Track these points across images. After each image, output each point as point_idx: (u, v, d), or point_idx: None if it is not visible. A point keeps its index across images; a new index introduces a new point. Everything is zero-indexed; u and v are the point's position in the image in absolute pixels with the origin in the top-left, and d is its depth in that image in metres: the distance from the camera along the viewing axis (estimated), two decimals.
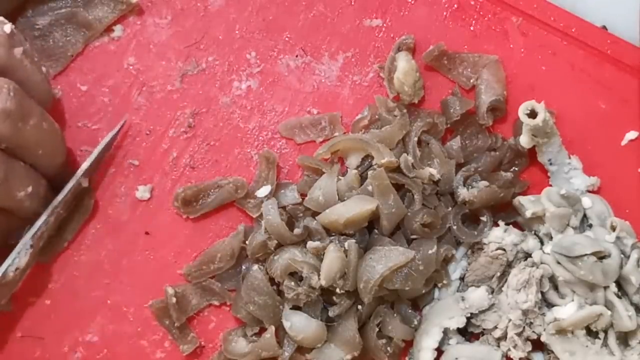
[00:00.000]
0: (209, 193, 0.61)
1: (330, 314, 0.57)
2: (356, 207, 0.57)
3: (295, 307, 0.58)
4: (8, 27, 0.54)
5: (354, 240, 0.57)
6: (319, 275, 0.56)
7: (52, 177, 0.58)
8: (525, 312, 0.58)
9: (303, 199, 0.60)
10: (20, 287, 0.58)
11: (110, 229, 0.62)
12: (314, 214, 0.59)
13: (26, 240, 0.57)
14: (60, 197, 0.58)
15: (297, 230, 0.58)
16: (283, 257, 0.57)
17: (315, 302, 0.57)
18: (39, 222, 0.57)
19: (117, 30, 0.64)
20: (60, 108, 0.63)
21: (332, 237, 0.58)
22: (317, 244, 0.57)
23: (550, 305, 0.59)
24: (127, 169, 0.63)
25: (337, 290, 0.56)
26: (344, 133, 0.63)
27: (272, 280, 0.58)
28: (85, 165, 0.60)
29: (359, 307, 0.58)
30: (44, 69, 0.59)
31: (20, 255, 0.56)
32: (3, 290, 0.56)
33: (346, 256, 0.56)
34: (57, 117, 0.60)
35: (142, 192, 0.62)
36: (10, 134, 0.52)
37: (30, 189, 0.55)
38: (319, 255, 0.57)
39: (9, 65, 0.54)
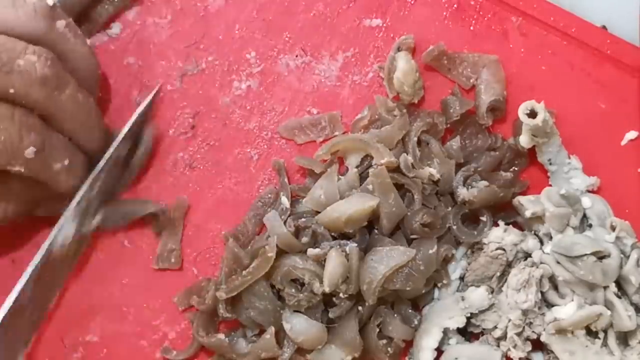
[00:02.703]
0: None
1: (331, 315, 0.57)
2: (357, 204, 0.57)
3: (296, 310, 0.58)
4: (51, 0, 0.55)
5: (355, 245, 0.57)
6: (320, 281, 0.56)
7: (92, 156, 0.58)
8: (525, 312, 0.58)
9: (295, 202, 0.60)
10: None
11: (111, 229, 0.62)
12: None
13: (69, 213, 0.57)
14: (100, 165, 0.59)
15: (304, 239, 0.58)
16: (284, 264, 0.57)
17: (316, 305, 0.57)
18: (80, 192, 0.58)
19: (115, 27, 0.64)
20: None
21: (333, 243, 0.57)
22: (317, 251, 0.57)
23: (550, 305, 0.59)
24: None
25: (341, 295, 0.56)
26: (344, 133, 0.63)
27: (272, 284, 0.58)
28: (125, 130, 0.60)
29: (359, 308, 0.58)
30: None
31: (63, 229, 0.57)
32: (57, 266, 0.57)
33: (347, 260, 0.56)
34: None
35: None
36: (46, 101, 0.52)
37: (67, 161, 0.55)
38: (320, 261, 0.57)
39: (49, 38, 0.54)
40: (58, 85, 0.53)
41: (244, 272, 0.57)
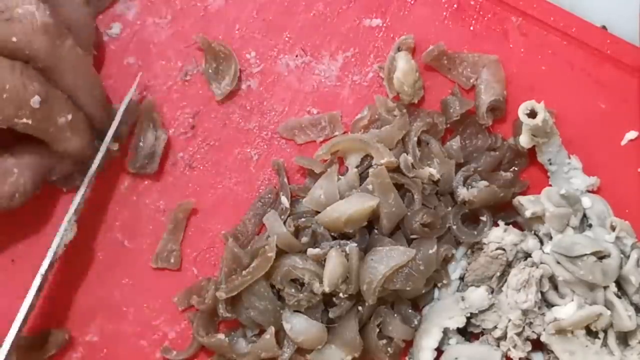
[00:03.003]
0: None
1: (331, 315, 0.57)
2: (357, 204, 0.57)
3: (296, 310, 0.58)
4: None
5: (355, 245, 0.57)
6: (320, 281, 0.56)
7: (94, 124, 0.58)
8: (525, 312, 0.58)
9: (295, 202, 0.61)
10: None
11: None
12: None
13: (69, 216, 0.57)
14: (93, 167, 0.59)
15: (304, 239, 0.58)
16: (284, 264, 0.57)
17: (316, 305, 0.57)
18: (78, 197, 0.58)
19: (115, 28, 0.64)
20: None
21: (333, 243, 0.57)
22: (317, 250, 0.57)
23: (550, 305, 0.59)
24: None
25: (341, 294, 0.56)
26: (344, 133, 0.63)
27: (272, 284, 0.58)
28: (112, 128, 0.60)
29: (359, 308, 0.58)
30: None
31: (67, 233, 0.57)
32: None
33: (347, 260, 0.56)
34: None
35: None
36: (48, 50, 0.52)
37: (70, 116, 0.55)
38: (320, 261, 0.57)
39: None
40: (59, 34, 0.53)
41: (243, 272, 0.57)
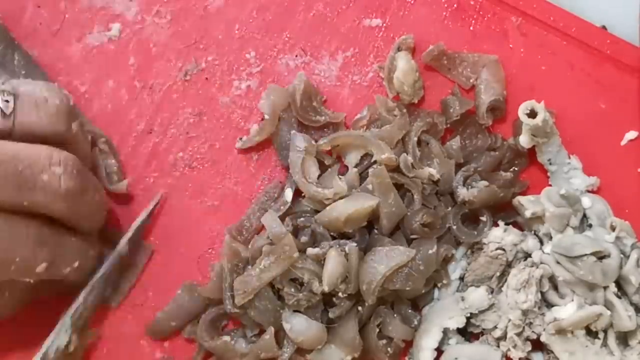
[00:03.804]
0: None
1: (331, 315, 0.57)
2: (357, 204, 0.57)
3: (296, 309, 0.58)
4: (71, 98, 0.54)
5: (354, 244, 0.57)
6: (319, 280, 0.56)
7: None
8: (524, 312, 0.58)
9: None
10: None
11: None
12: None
13: (65, 320, 0.57)
14: (99, 274, 0.58)
15: (303, 238, 0.58)
16: None
17: (316, 305, 0.57)
18: (76, 304, 0.57)
19: (115, 28, 0.64)
20: None
21: (333, 242, 0.57)
22: (316, 250, 0.57)
23: (550, 305, 0.59)
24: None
25: (340, 294, 0.56)
26: None
27: (271, 284, 0.58)
28: (123, 242, 0.59)
29: (359, 308, 0.58)
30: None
31: (59, 336, 0.56)
32: None
33: (347, 260, 0.56)
34: None
35: None
36: (66, 212, 0.51)
37: (77, 264, 0.54)
38: (319, 261, 0.57)
39: (66, 138, 0.52)
40: (81, 192, 0.52)
41: (257, 271, 0.57)
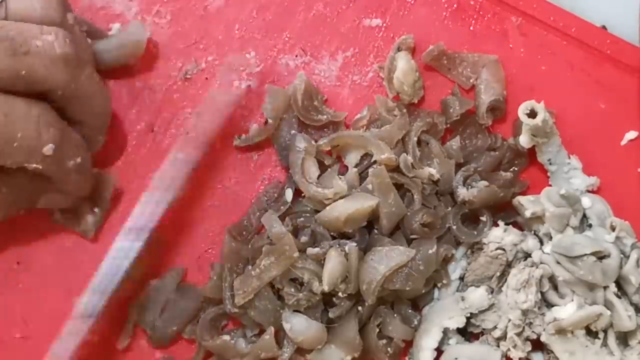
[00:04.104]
0: None
1: (331, 315, 0.57)
2: (357, 204, 0.57)
3: (296, 309, 0.58)
4: None
5: (354, 244, 0.57)
6: (319, 280, 0.56)
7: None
8: (524, 312, 0.58)
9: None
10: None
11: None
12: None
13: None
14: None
15: (303, 238, 0.58)
16: None
17: (316, 305, 0.57)
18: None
19: (114, 30, 0.64)
20: None
21: (333, 242, 0.57)
22: (317, 250, 0.57)
23: (550, 305, 0.59)
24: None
25: (340, 294, 0.56)
26: None
27: (271, 284, 0.58)
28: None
29: (359, 308, 0.58)
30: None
31: None
32: None
33: (347, 260, 0.56)
34: None
35: None
36: (67, 81, 0.51)
37: (79, 159, 0.54)
38: (319, 261, 0.57)
39: (65, 29, 0.52)
40: (79, 64, 0.52)
41: (257, 271, 0.56)
